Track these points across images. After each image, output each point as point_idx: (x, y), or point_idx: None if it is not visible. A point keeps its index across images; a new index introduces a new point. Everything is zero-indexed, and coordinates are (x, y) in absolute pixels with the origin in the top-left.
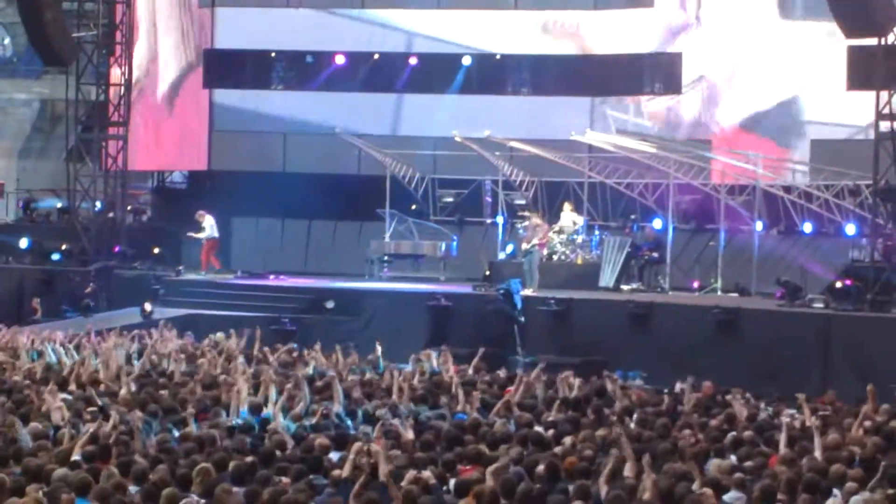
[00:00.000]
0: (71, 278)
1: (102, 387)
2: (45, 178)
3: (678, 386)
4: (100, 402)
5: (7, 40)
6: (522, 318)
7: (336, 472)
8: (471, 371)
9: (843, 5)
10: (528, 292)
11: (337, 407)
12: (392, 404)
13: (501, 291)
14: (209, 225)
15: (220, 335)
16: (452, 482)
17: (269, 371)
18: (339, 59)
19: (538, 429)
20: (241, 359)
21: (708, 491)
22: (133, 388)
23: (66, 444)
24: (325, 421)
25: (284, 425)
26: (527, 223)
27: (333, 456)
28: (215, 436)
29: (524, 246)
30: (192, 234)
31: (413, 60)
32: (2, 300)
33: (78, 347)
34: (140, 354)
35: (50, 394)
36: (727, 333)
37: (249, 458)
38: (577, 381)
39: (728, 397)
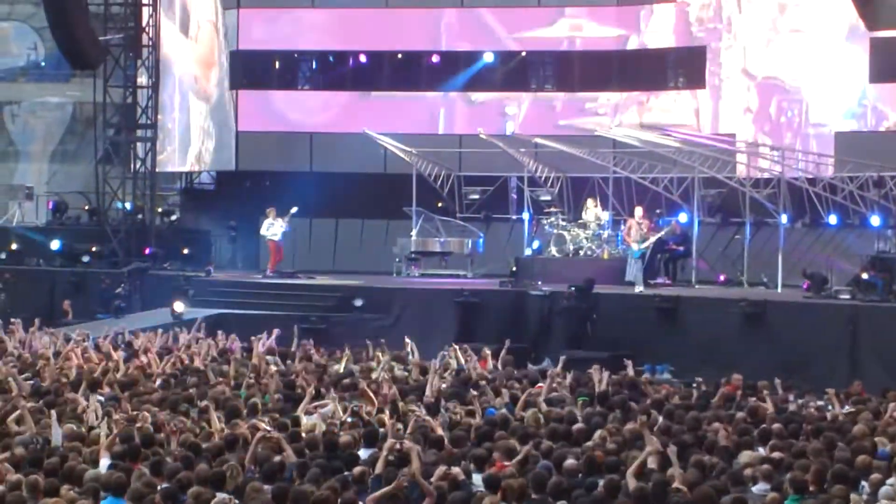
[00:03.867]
0: (102, 279)
1: (134, 387)
2: (77, 181)
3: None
4: (131, 403)
5: (38, 45)
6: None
7: (358, 469)
8: (499, 365)
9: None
10: (640, 289)
11: (368, 405)
12: (423, 400)
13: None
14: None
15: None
16: (478, 477)
17: (301, 370)
18: (362, 58)
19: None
20: (270, 357)
21: None
22: (164, 388)
23: (98, 445)
24: (353, 419)
25: (314, 423)
26: (630, 222)
27: (363, 453)
28: (245, 435)
29: (635, 246)
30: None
31: (435, 58)
32: (33, 302)
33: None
34: (167, 354)
35: (83, 395)
36: (754, 326)
37: (278, 458)
38: (605, 376)
39: (763, 394)
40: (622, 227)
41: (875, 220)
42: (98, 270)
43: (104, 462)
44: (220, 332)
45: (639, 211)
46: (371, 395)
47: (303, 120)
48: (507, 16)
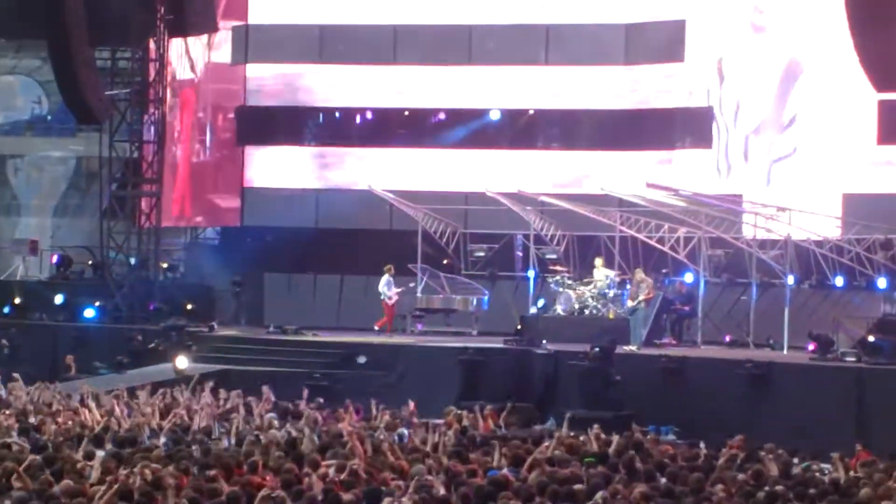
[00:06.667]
0: (133, 335)
1: (136, 444)
2: (80, 236)
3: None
4: (132, 460)
5: (42, 98)
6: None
7: None
8: (502, 424)
9: (873, 59)
10: (632, 348)
11: (359, 463)
12: (425, 460)
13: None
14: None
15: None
16: None
17: (304, 427)
18: (369, 115)
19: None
20: (270, 414)
21: None
22: (166, 444)
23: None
24: (352, 478)
25: (315, 481)
26: (633, 278)
27: None
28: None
29: (629, 303)
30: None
31: (442, 115)
32: (36, 357)
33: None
34: (169, 411)
35: (84, 451)
36: (760, 388)
37: None
38: (613, 438)
39: (762, 453)
40: (628, 286)
41: (882, 283)
42: (132, 327)
43: None
44: (221, 390)
45: (638, 272)
46: (361, 449)
47: (308, 175)
48: (514, 74)
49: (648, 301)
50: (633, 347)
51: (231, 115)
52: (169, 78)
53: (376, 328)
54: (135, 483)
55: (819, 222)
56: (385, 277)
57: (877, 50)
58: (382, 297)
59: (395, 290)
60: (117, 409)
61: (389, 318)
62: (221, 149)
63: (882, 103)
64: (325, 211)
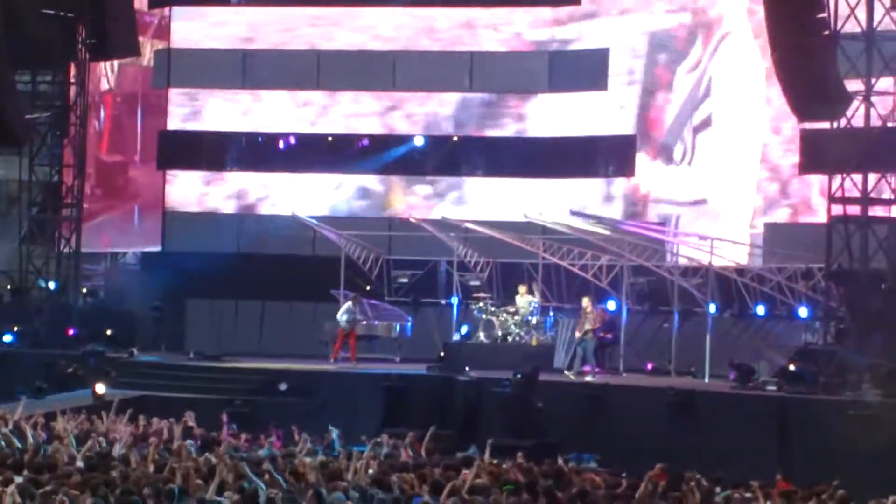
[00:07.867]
0: (57, 360)
1: (53, 470)
2: (0, 260)
3: None
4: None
5: None
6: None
7: None
8: (423, 452)
9: (796, 89)
10: (589, 378)
11: (274, 492)
12: (346, 486)
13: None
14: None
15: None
16: None
17: (224, 455)
18: (292, 140)
19: None
20: (189, 442)
21: None
22: (84, 470)
23: None
24: None
25: None
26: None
27: None
28: None
29: (577, 333)
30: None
31: (366, 141)
32: None
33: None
34: (87, 437)
35: (1, 476)
36: (681, 416)
37: None
38: (535, 466)
39: (684, 482)
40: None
41: (803, 312)
42: (51, 352)
43: None
44: (140, 416)
45: (585, 301)
46: (275, 478)
47: (231, 200)
48: (438, 100)
49: (597, 330)
50: (589, 378)
51: (153, 139)
52: (90, 100)
53: (335, 358)
54: None
55: (740, 251)
56: (346, 305)
57: (799, 81)
58: (340, 325)
59: (354, 318)
60: (30, 436)
61: (339, 345)
62: (143, 173)
63: (804, 132)
64: (248, 236)
